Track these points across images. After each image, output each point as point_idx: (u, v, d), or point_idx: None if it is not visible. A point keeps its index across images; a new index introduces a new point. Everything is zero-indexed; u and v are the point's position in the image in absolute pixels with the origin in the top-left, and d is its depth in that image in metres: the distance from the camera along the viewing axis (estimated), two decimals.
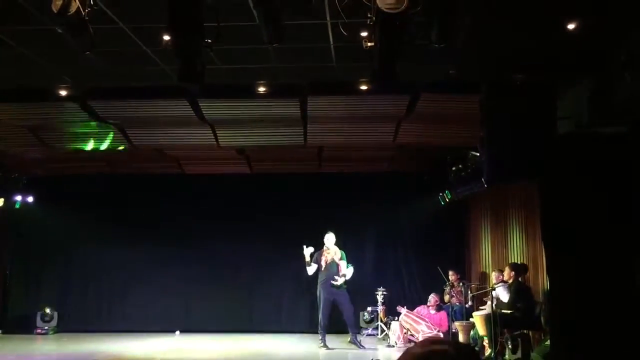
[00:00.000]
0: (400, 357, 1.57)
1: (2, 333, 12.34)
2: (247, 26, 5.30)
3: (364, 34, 4.79)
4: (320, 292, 10.32)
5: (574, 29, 5.39)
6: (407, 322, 10.61)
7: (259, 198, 12.57)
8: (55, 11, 4.26)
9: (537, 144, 5.99)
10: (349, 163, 11.93)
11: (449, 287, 11.35)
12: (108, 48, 5.90)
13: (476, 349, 9.29)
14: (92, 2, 4.39)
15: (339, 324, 10.62)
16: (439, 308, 11.02)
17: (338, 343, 10.53)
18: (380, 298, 11.35)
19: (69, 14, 4.26)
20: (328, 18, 5.41)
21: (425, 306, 11.09)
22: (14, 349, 10.71)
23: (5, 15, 5.33)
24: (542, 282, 8.69)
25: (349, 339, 10.46)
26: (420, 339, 10.32)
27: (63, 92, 7.56)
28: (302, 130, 9.32)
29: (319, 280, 10.39)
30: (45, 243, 12.75)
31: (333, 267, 10.36)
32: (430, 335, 10.35)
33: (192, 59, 4.85)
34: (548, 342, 7.09)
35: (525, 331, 8.35)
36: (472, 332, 9.73)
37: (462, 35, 5.41)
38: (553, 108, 6.19)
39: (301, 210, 12.34)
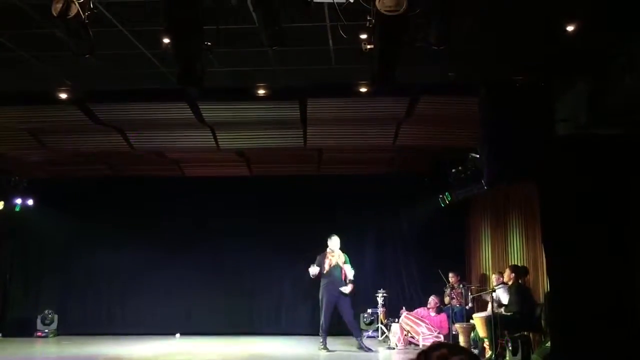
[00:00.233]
0: None
1: (2, 336, 12.34)
2: (246, 29, 5.30)
3: (364, 36, 4.79)
4: (322, 294, 10.29)
5: (573, 31, 5.40)
6: (407, 324, 10.61)
7: (259, 200, 12.57)
8: (55, 14, 4.26)
9: (537, 145, 6.00)
10: (349, 165, 11.93)
11: (449, 289, 11.35)
12: (108, 51, 5.91)
13: (476, 351, 9.30)
14: (91, 6, 4.39)
15: (341, 326, 10.62)
16: (439, 310, 11.02)
17: (339, 345, 10.52)
18: (380, 300, 11.35)
19: (69, 17, 4.26)
20: (327, 21, 5.42)
21: (426, 308, 11.09)
22: (14, 352, 10.70)
23: (5, 18, 5.34)
24: (542, 283, 8.68)
25: (355, 342, 10.42)
26: (421, 340, 10.33)
27: (63, 95, 7.56)
28: (301, 133, 9.34)
29: (321, 283, 10.37)
30: (46, 246, 12.77)
31: (337, 270, 10.34)
32: (430, 337, 10.36)
33: (191, 61, 4.86)
34: (548, 344, 7.09)
35: (525, 333, 8.35)
36: (472, 334, 9.73)
37: (462, 37, 5.42)
38: (552, 110, 6.20)
39: (301, 212, 12.34)
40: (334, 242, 10.49)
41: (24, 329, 12.20)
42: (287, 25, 4.70)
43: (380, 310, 11.39)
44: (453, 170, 10.64)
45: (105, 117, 8.59)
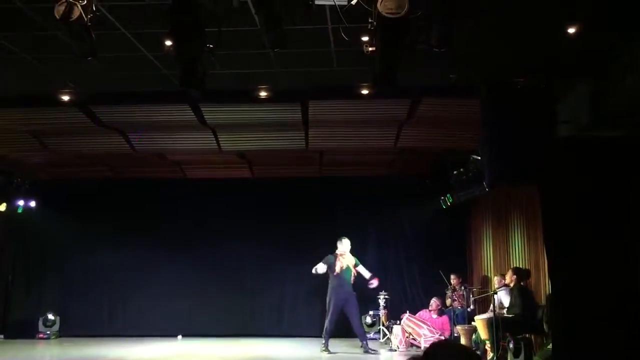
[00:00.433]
0: None
1: (4, 338, 12.36)
2: (248, 31, 5.32)
3: (365, 38, 4.80)
4: (330, 297, 10.28)
5: (574, 32, 5.41)
6: (409, 326, 10.61)
7: (260, 202, 12.59)
8: (57, 17, 4.28)
9: (538, 147, 6.00)
10: (350, 167, 11.94)
11: (450, 291, 11.35)
12: (110, 53, 5.93)
13: (478, 352, 9.30)
14: (94, 8, 4.41)
15: (343, 328, 10.61)
16: (440, 312, 11.02)
17: (340, 347, 10.52)
18: (382, 302, 11.36)
19: (72, 19, 4.28)
20: (329, 23, 5.44)
21: (427, 310, 11.09)
22: (15, 354, 10.72)
23: (8, 21, 5.35)
24: (544, 285, 8.68)
25: (360, 346, 10.41)
26: (422, 342, 10.33)
27: (66, 97, 7.58)
28: (303, 135, 9.35)
29: (330, 285, 10.35)
30: (48, 247, 12.78)
31: (347, 273, 10.35)
32: (432, 339, 10.35)
33: (193, 64, 4.86)
34: (550, 346, 7.09)
35: (527, 335, 8.35)
36: (474, 336, 9.73)
37: (463, 39, 5.42)
38: (553, 111, 6.20)
39: (302, 214, 12.36)
40: (344, 245, 10.49)
41: (25, 331, 12.22)
42: (288, 27, 4.71)
43: (382, 312, 11.39)
44: (454, 172, 10.64)
45: (107, 119, 8.60)
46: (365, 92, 7.36)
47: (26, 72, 6.72)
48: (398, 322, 10.89)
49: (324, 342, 10.15)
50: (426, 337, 10.38)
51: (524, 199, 9.58)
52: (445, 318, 10.89)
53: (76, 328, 12.47)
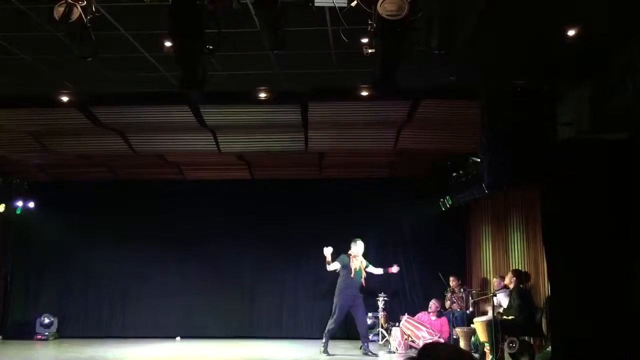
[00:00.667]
0: None
1: (3, 339, 12.34)
2: (248, 33, 5.32)
3: (365, 40, 4.80)
4: (339, 297, 10.23)
5: (575, 35, 5.41)
6: (408, 328, 10.60)
7: (259, 204, 12.58)
8: (57, 18, 4.27)
9: (538, 149, 6.00)
10: (350, 169, 11.94)
11: (449, 293, 11.34)
12: (110, 54, 5.92)
13: (477, 355, 9.29)
14: (94, 9, 4.40)
15: (344, 330, 10.59)
16: (439, 314, 11.00)
17: (340, 349, 10.50)
18: (381, 304, 11.35)
19: (71, 20, 4.27)
20: (329, 25, 5.44)
21: (426, 312, 11.08)
22: (13, 355, 10.71)
23: (7, 21, 5.35)
24: (543, 287, 8.67)
25: (360, 347, 10.40)
26: (421, 344, 10.30)
27: (65, 98, 7.58)
28: (303, 136, 9.34)
29: (340, 286, 10.30)
30: (46, 249, 12.76)
31: (359, 275, 10.35)
32: (431, 341, 10.34)
33: (193, 65, 4.86)
34: (549, 349, 7.08)
35: (526, 337, 8.34)
36: (473, 338, 9.72)
37: (463, 42, 5.42)
38: (554, 114, 6.20)
39: (301, 216, 12.35)
40: (359, 247, 10.47)
41: (24, 332, 12.21)
42: (288, 29, 4.71)
43: (381, 314, 11.38)
44: (454, 174, 10.64)
45: (107, 120, 8.60)
46: (365, 93, 7.36)
47: (26, 73, 6.72)
48: (397, 324, 10.88)
49: (324, 341, 10.10)
50: (425, 339, 10.36)
51: (524, 201, 9.58)
52: (444, 320, 10.88)
53: (74, 329, 12.47)
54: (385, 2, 4.03)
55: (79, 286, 12.73)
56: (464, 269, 12.38)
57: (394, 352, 10.47)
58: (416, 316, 10.95)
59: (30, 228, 12.62)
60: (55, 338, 12.27)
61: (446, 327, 10.73)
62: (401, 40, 4.38)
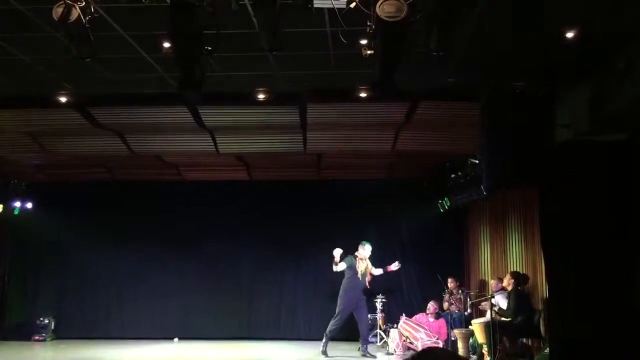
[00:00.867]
0: None
1: (0, 340, 12.30)
2: (247, 34, 5.32)
3: (364, 41, 4.80)
4: (342, 298, 10.22)
5: (573, 37, 5.41)
6: (406, 330, 10.59)
7: (257, 205, 12.57)
8: (56, 19, 4.27)
9: (537, 151, 6.00)
10: (348, 170, 11.94)
11: (447, 295, 11.33)
12: (108, 55, 5.92)
13: (475, 357, 9.30)
14: (92, 10, 4.40)
15: (345, 331, 10.58)
16: (437, 316, 11.00)
17: (338, 351, 10.48)
18: (379, 305, 11.34)
19: (70, 21, 4.27)
20: (328, 26, 5.43)
21: (424, 314, 11.07)
22: (11, 356, 10.68)
23: (6, 22, 5.34)
24: (541, 289, 8.68)
25: (358, 349, 10.39)
26: (419, 346, 10.30)
27: (63, 99, 7.57)
28: (301, 138, 9.34)
29: (346, 287, 10.28)
30: (44, 249, 12.75)
31: (364, 277, 10.35)
32: (429, 342, 10.34)
33: (192, 66, 4.86)
34: (547, 350, 7.08)
35: (524, 339, 8.34)
36: (471, 340, 9.72)
37: (462, 43, 5.43)
38: (552, 115, 6.20)
39: (300, 217, 12.34)
40: (366, 250, 10.48)
41: (21, 333, 12.18)
42: (287, 30, 4.71)
43: (379, 316, 11.37)
44: (452, 176, 10.65)
45: (105, 121, 8.59)
46: (363, 95, 7.36)
47: (24, 74, 6.71)
48: (395, 325, 10.87)
49: (324, 341, 10.07)
50: (423, 340, 10.36)
51: (522, 202, 9.59)
52: (442, 321, 10.87)
53: (72, 330, 12.44)
54: (384, 3, 4.03)
55: (77, 287, 12.71)
56: (462, 271, 12.38)
57: (392, 354, 10.46)
58: (414, 317, 10.95)
59: (28, 228, 12.60)
60: (52, 339, 12.25)
61: (444, 329, 10.73)
62: (400, 41, 4.39)
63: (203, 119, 8.50)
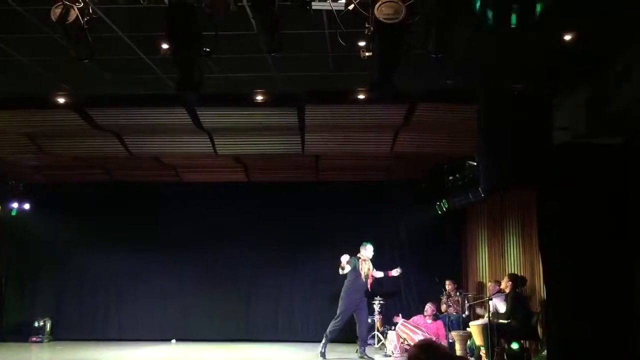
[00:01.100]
0: None
1: None
2: (245, 35, 5.32)
3: (362, 43, 4.81)
4: (344, 299, 10.18)
5: (571, 40, 5.42)
6: (403, 332, 10.58)
7: (255, 206, 12.56)
8: (54, 19, 4.27)
9: (535, 153, 6.01)
10: (347, 172, 11.94)
11: (445, 297, 11.33)
12: (107, 56, 5.91)
13: (473, 359, 9.29)
14: (91, 11, 4.40)
15: (344, 333, 10.57)
16: (435, 317, 10.99)
17: (337, 353, 10.46)
18: (377, 307, 11.33)
19: (68, 22, 4.27)
20: (326, 28, 5.44)
21: (422, 316, 11.06)
22: (8, 358, 10.66)
23: (4, 23, 5.34)
24: (539, 291, 8.68)
25: (356, 351, 10.38)
26: None
27: (61, 100, 7.56)
28: (299, 139, 9.34)
29: (348, 288, 10.25)
30: (42, 251, 12.73)
31: (366, 279, 10.35)
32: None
33: (190, 67, 4.86)
34: (545, 353, 7.08)
35: (522, 341, 8.34)
36: (469, 342, 9.72)
37: (460, 45, 5.43)
38: (551, 118, 6.21)
39: (298, 219, 12.33)
40: (368, 251, 10.48)
41: (19, 334, 12.15)
42: (285, 31, 4.71)
43: (377, 318, 11.36)
44: (450, 178, 10.65)
45: (104, 122, 8.58)
46: (362, 97, 7.37)
47: (22, 74, 6.70)
48: (393, 327, 10.87)
49: (323, 342, 10.03)
50: None
51: (520, 205, 9.59)
52: (439, 323, 10.86)
53: (70, 331, 12.41)
54: (382, 5, 4.03)
55: (75, 288, 12.68)
56: (460, 273, 12.39)
57: (390, 356, 10.45)
58: (412, 319, 10.94)
59: (26, 230, 12.59)
60: (50, 341, 12.22)
61: (442, 331, 10.72)
62: (398, 43, 4.39)
63: (201, 120, 8.50)
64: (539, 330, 8.34)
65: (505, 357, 8.30)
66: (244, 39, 5.45)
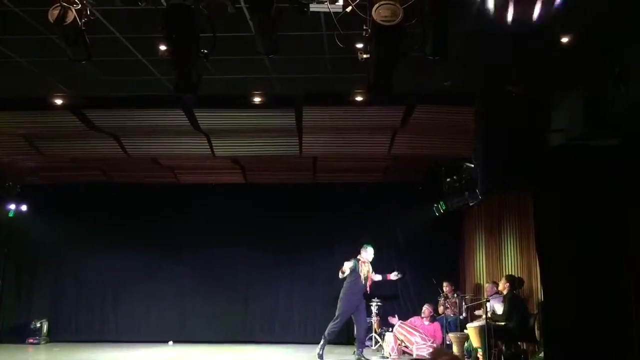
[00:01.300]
0: None
1: None
2: (243, 37, 5.32)
3: (360, 45, 4.81)
4: (343, 301, 10.15)
5: (568, 42, 5.43)
6: (401, 333, 10.59)
7: (253, 208, 12.55)
8: (52, 21, 4.27)
9: (532, 155, 6.02)
10: (344, 173, 11.94)
11: (443, 299, 11.33)
12: (104, 58, 5.91)
13: None
14: (88, 12, 4.40)
15: (343, 335, 10.56)
16: (432, 319, 11.00)
17: (334, 355, 10.46)
18: (374, 309, 11.33)
19: (66, 23, 4.27)
20: (324, 29, 5.45)
21: (419, 317, 11.07)
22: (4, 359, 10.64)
23: (2, 24, 5.33)
24: (536, 293, 8.69)
25: (354, 352, 10.37)
26: (414, 350, 10.31)
27: (59, 101, 7.56)
28: (297, 141, 9.34)
29: (348, 290, 10.22)
30: (39, 252, 12.71)
31: (366, 281, 10.34)
32: (424, 346, 10.34)
33: (188, 69, 4.86)
34: (542, 355, 7.09)
35: (519, 343, 8.35)
36: (466, 344, 9.72)
37: (458, 47, 5.44)
38: (547, 120, 6.23)
39: (295, 220, 12.32)
40: (369, 253, 10.47)
41: (16, 336, 12.13)
42: (283, 33, 4.71)
43: (374, 320, 11.36)
44: (448, 179, 10.64)
45: (101, 123, 8.58)
46: (359, 98, 7.37)
47: (19, 76, 6.70)
48: (390, 329, 10.87)
49: (321, 344, 10.00)
50: (418, 344, 10.36)
51: (517, 206, 9.60)
52: (437, 325, 10.87)
53: (67, 333, 12.40)
54: (380, 7, 4.04)
55: (72, 290, 12.67)
56: (458, 274, 12.39)
57: (387, 358, 10.45)
58: (409, 321, 10.95)
59: (23, 231, 12.57)
60: (47, 342, 12.20)
61: (439, 332, 10.73)
62: (396, 45, 4.40)
63: (199, 121, 8.50)
64: (537, 331, 8.35)
65: (502, 359, 8.30)
66: (241, 41, 5.46)
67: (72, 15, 4.24)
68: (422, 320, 10.97)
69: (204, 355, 11.08)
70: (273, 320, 12.64)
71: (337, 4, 4.49)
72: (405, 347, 10.56)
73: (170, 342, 12.18)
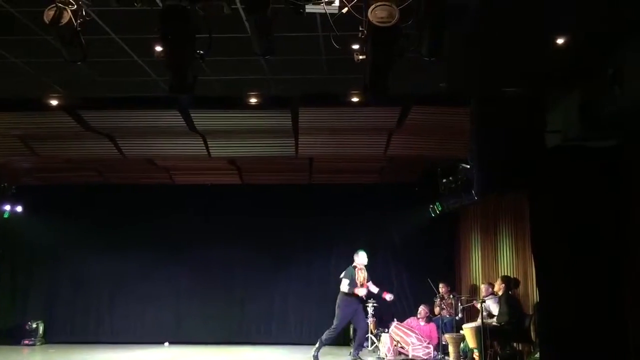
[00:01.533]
0: None
1: None
2: (239, 38, 5.32)
3: (356, 46, 4.81)
4: (340, 308, 10.16)
5: (564, 43, 5.44)
6: (397, 334, 10.60)
7: (249, 209, 12.55)
8: (47, 22, 4.25)
9: (527, 156, 6.03)
10: (340, 174, 11.94)
11: (439, 299, 11.34)
12: (100, 58, 5.90)
13: None
14: (84, 13, 4.38)
15: (340, 336, 10.55)
16: (428, 320, 11.01)
17: (330, 356, 10.47)
18: (370, 310, 11.33)
19: (61, 24, 4.25)
20: (320, 30, 5.44)
21: (415, 318, 11.08)
22: None
23: None
24: (532, 293, 8.71)
25: (350, 353, 10.37)
26: (410, 351, 10.32)
27: (54, 102, 7.54)
28: (293, 142, 9.34)
29: (345, 299, 10.20)
30: (34, 253, 12.69)
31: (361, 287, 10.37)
32: (420, 347, 10.35)
33: (183, 69, 4.84)
34: (538, 355, 7.10)
35: (515, 344, 8.36)
36: (462, 345, 9.73)
37: (454, 48, 5.44)
38: (543, 121, 6.24)
39: (291, 221, 12.33)
40: (361, 258, 10.48)
41: (11, 337, 12.11)
42: (279, 34, 4.71)
43: (370, 320, 11.36)
44: (444, 180, 10.67)
45: (96, 124, 8.56)
46: (355, 99, 7.37)
47: (15, 76, 6.68)
48: (386, 330, 10.87)
49: (317, 346, 9.99)
50: (414, 345, 10.38)
51: (513, 207, 9.62)
52: (432, 325, 10.89)
53: (62, 334, 12.38)
54: (376, 9, 4.04)
55: (67, 291, 12.65)
56: (454, 275, 12.41)
57: (384, 358, 10.46)
58: (405, 322, 10.96)
59: (18, 232, 12.54)
60: (42, 344, 12.17)
61: (435, 333, 10.74)
62: (392, 46, 4.40)
63: (195, 122, 8.49)
64: (532, 332, 8.36)
65: None
66: (237, 42, 5.45)
67: (67, 16, 4.23)
68: (418, 321, 10.99)
69: (200, 356, 11.07)
70: (269, 321, 12.64)
71: (333, 5, 4.49)
72: (402, 347, 10.56)
73: (166, 343, 12.16)
